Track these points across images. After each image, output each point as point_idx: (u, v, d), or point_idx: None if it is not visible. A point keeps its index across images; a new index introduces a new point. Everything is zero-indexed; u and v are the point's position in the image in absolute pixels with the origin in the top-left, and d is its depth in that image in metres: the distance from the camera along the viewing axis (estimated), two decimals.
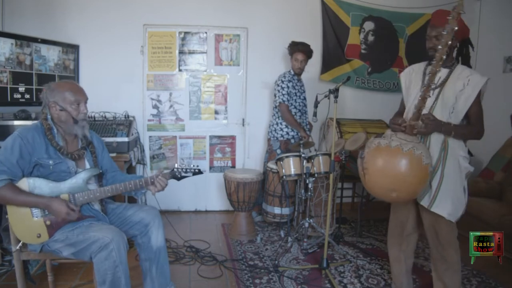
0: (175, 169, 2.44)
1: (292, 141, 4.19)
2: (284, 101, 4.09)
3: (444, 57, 2.11)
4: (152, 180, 2.38)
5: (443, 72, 2.34)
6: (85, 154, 2.40)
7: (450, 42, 2.06)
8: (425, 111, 2.31)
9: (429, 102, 2.32)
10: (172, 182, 2.49)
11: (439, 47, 2.09)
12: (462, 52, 2.46)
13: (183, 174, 2.44)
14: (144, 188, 2.43)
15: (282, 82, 4.13)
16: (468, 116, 2.31)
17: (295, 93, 4.17)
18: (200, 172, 2.47)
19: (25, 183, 2.15)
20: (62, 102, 2.24)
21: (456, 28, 2.02)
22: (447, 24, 2.03)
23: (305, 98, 4.32)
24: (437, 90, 2.32)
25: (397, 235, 2.67)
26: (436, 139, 2.32)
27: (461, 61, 2.45)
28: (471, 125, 2.31)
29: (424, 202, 2.36)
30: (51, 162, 2.21)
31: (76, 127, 2.29)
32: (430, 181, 2.30)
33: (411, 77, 2.54)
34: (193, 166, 2.46)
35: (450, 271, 2.43)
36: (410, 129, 2.26)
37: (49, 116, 2.29)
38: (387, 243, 2.79)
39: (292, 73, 4.21)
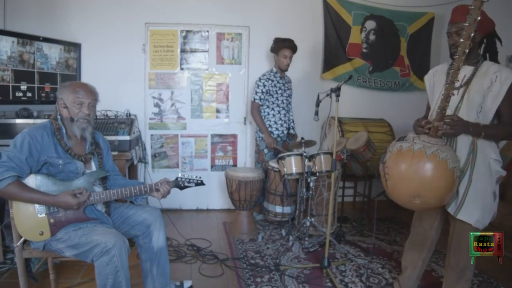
0: (178, 179, 2.50)
1: (278, 139, 4.20)
2: (255, 99, 4.10)
3: (467, 50, 1.95)
4: (157, 186, 2.43)
5: (467, 70, 2.22)
6: (92, 158, 2.43)
7: (472, 34, 1.90)
8: (449, 111, 2.18)
9: (454, 102, 2.21)
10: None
11: (461, 40, 1.94)
12: (489, 47, 2.30)
13: (186, 184, 2.51)
14: (147, 193, 2.46)
15: (260, 80, 4.12)
16: (499, 114, 2.14)
17: (276, 91, 4.14)
18: (202, 183, 2.55)
19: (32, 180, 2.17)
20: (66, 100, 2.28)
21: (479, 18, 1.87)
22: (469, 14, 1.88)
23: (289, 96, 4.29)
24: (462, 90, 2.20)
25: (419, 242, 2.57)
26: (463, 141, 2.18)
27: (489, 57, 2.30)
28: (504, 125, 2.15)
29: (451, 209, 2.24)
30: (60, 161, 2.24)
31: (73, 126, 2.30)
32: (458, 186, 2.17)
33: (435, 78, 2.42)
34: (196, 177, 2.54)
35: (463, 281, 2.35)
36: (434, 131, 2.13)
37: (59, 116, 2.32)
38: (405, 246, 2.70)
39: (275, 70, 4.18)
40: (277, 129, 4.18)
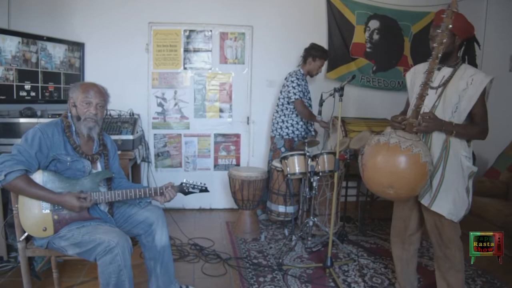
0: (183, 184, 2.53)
1: (296, 140, 4.19)
2: (300, 97, 4.08)
3: (440, 55, 2.11)
4: (162, 190, 2.45)
5: (446, 72, 2.35)
6: (98, 158, 2.44)
7: (445, 40, 2.07)
8: (427, 110, 2.32)
9: (432, 101, 2.34)
10: (178, 179, 2.52)
11: (434, 45, 2.10)
12: (468, 51, 2.44)
13: (191, 189, 2.55)
14: (151, 196, 2.47)
15: (297, 79, 4.12)
16: (472, 115, 2.29)
17: (304, 92, 4.18)
18: (206, 190, 2.59)
19: (39, 176, 2.19)
20: (76, 99, 2.32)
21: (451, 26, 2.03)
22: (442, 22, 2.04)
23: (310, 99, 4.32)
24: (440, 89, 2.32)
25: (400, 233, 2.67)
26: (437, 138, 2.31)
27: (467, 60, 2.43)
28: (475, 125, 2.29)
29: (425, 201, 2.37)
30: (68, 158, 2.27)
31: (80, 125, 2.32)
32: (431, 180, 2.31)
33: (415, 76, 2.54)
34: (201, 183, 2.57)
35: (453, 271, 2.43)
36: (410, 127, 2.26)
37: (69, 114, 2.35)
38: (390, 242, 2.79)
39: (302, 72, 4.21)
40: (298, 129, 4.20)
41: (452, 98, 2.28)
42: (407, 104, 2.69)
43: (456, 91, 2.27)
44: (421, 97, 2.21)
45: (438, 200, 2.31)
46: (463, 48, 2.42)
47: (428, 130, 2.27)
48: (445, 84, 2.32)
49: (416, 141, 2.20)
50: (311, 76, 4.30)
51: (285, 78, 4.25)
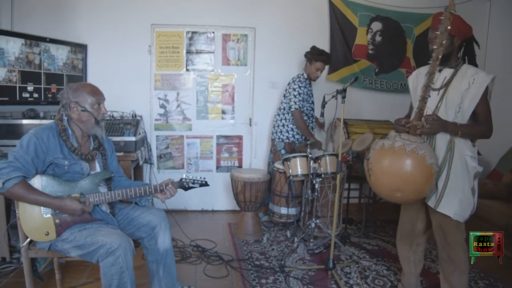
0: (183, 179, 2.52)
1: (297, 143, 4.18)
2: (300, 107, 4.04)
3: (440, 56, 2.13)
4: (162, 187, 2.43)
5: (447, 73, 2.35)
6: (96, 156, 2.42)
7: (445, 42, 2.09)
8: (430, 111, 2.33)
9: (434, 102, 2.34)
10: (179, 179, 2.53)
11: (434, 47, 2.12)
12: (467, 51, 2.46)
13: (191, 185, 2.52)
14: (152, 194, 2.46)
15: (299, 87, 4.06)
16: (475, 115, 2.29)
17: (306, 98, 4.14)
18: (206, 184, 2.57)
19: (38, 180, 2.18)
20: (84, 103, 2.29)
21: (449, 27, 2.05)
22: (441, 24, 2.07)
23: (313, 103, 4.29)
24: (442, 91, 2.33)
25: (407, 235, 2.68)
26: (441, 139, 2.32)
27: (468, 61, 2.46)
28: (479, 124, 2.30)
29: (431, 203, 2.37)
30: (66, 162, 2.24)
31: (96, 128, 2.34)
32: (436, 181, 2.31)
33: (418, 79, 2.55)
34: (200, 178, 2.55)
35: (457, 273, 2.43)
36: (414, 130, 2.28)
37: (65, 117, 2.32)
38: (397, 243, 2.79)
39: (305, 76, 4.17)
40: (298, 133, 4.17)
41: (454, 99, 2.29)
42: (411, 108, 2.69)
43: (458, 92, 2.27)
44: (424, 99, 2.22)
45: (444, 201, 2.32)
46: (463, 49, 2.44)
47: (432, 131, 2.28)
48: (446, 85, 2.33)
49: (421, 143, 2.22)
50: (311, 80, 4.23)
51: (288, 83, 4.22)
